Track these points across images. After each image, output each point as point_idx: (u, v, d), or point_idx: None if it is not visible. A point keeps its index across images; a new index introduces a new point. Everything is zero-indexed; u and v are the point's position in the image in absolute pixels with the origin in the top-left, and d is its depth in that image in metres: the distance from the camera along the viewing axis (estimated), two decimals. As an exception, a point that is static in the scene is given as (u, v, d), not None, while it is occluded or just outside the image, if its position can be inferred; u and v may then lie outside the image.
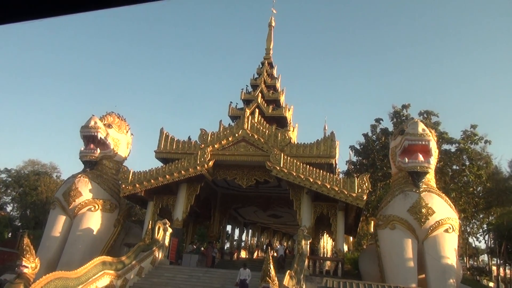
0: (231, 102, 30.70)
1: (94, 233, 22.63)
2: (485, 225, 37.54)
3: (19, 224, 49.15)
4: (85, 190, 23.15)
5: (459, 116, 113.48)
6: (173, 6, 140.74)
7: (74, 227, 22.65)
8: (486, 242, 40.69)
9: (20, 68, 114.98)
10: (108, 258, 16.86)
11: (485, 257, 52.19)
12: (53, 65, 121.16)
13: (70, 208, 22.94)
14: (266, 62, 33.57)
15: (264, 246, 28.39)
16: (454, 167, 33.50)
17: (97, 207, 23.08)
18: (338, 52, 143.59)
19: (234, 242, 39.99)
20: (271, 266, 11.59)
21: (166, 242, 21.72)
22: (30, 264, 11.83)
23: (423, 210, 19.56)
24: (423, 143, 20.41)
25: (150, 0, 1.91)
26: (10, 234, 42.97)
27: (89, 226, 22.61)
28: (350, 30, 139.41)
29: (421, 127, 20.85)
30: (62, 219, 23.03)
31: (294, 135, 29.18)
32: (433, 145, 20.91)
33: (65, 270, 14.24)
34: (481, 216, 35.66)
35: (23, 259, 11.78)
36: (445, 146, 33.31)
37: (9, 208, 52.90)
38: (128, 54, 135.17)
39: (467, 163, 32.63)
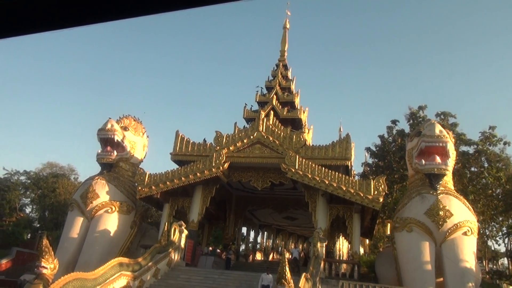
0: (246, 104, 30.74)
1: (111, 234, 22.88)
2: (504, 228, 36.81)
3: (38, 225, 49.87)
4: (102, 192, 23.43)
5: (478, 117, 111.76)
6: (188, 10, 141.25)
7: (92, 229, 22.94)
8: (506, 245, 39.91)
9: (39, 74, 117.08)
10: (125, 260, 17.04)
11: (505, 261, 51.19)
12: (71, 70, 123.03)
13: (87, 209, 23.23)
14: (281, 64, 33.54)
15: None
16: (473, 169, 32.90)
17: (114, 209, 23.34)
18: (353, 53, 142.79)
19: (250, 244, 39.97)
20: (287, 269, 11.56)
21: (182, 243, 21.85)
22: (49, 265, 12.01)
23: (440, 213, 19.30)
24: (440, 144, 20.15)
25: (160, 12, 1.93)
26: (29, 235, 43.63)
27: (106, 227, 22.87)
28: (365, 30, 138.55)
29: (438, 128, 20.59)
30: (79, 221, 23.34)
31: (309, 137, 29.05)
32: (451, 147, 20.62)
33: (83, 271, 14.44)
34: (500, 218, 34.91)
35: (42, 260, 11.97)
36: (463, 148, 32.73)
37: (28, 210, 53.81)
38: (143, 56, 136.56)
39: (486, 165, 32.02)
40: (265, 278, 16.38)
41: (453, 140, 22.40)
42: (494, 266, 52.77)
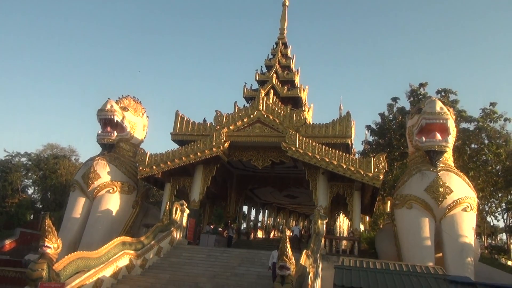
0: (245, 83, 30.58)
1: (113, 214, 23.04)
2: (504, 204, 37.05)
3: (41, 206, 50.21)
4: (104, 172, 23.50)
5: (478, 94, 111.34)
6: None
7: (94, 209, 23.09)
8: (505, 221, 40.28)
9: (39, 54, 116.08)
10: (128, 239, 17.18)
11: (503, 236, 51.76)
12: (70, 50, 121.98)
13: (89, 190, 23.34)
14: (281, 42, 33.23)
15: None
16: (473, 145, 32.85)
17: (115, 189, 23.45)
18: (353, 30, 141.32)
19: (251, 223, 40.33)
20: (288, 246, 11.65)
21: (184, 222, 22.05)
22: (52, 245, 12.06)
23: (440, 189, 19.39)
24: (441, 121, 20.09)
25: None
26: (32, 216, 43.97)
27: (108, 207, 23.01)
28: (365, 7, 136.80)
29: (438, 105, 20.50)
30: (82, 201, 23.48)
31: (309, 116, 29.01)
32: (451, 124, 20.57)
33: (86, 251, 14.57)
34: (500, 194, 35.07)
35: (46, 239, 12.01)
36: (464, 125, 32.63)
37: (30, 191, 54.08)
38: (142, 37, 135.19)
39: (486, 141, 31.96)
40: (275, 256, 16.36)
41: (454, 117, 22.30)
42: (493, 242, 53.40)
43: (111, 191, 23.37)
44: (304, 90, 31.05)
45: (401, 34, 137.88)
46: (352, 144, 25.27)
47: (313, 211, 21.30)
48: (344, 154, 21.03)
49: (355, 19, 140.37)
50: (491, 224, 46.47)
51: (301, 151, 21.36)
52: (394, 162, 33.83)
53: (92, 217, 22.88)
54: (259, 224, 41.53)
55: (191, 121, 25.10)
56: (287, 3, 34.69)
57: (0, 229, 36.37)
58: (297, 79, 31.75)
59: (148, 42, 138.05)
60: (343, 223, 40.53)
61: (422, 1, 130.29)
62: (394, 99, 36.43)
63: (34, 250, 23.07)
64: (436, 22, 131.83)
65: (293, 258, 11.70)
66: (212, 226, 28.04)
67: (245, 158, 24.54)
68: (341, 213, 35.03)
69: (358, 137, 46.59)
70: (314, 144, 21.42)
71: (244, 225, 41.20)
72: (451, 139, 20.68)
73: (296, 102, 29.73)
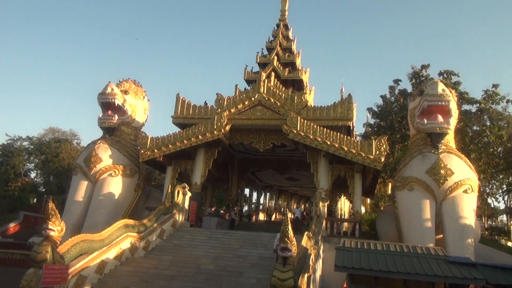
0: (246, 65, 30.37)
1: (116, 197, 23.17)
2: (504, 186, 37.15)
3: (43, 190, 50.44)
4: (105, 156, 23.55)
5: (481, 76, 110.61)
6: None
7: (96, 192, 23.20)
8: (505, 202, 40.44)
9: (40, 37, 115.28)
10: (131, 221, 17.34)
11: (504, 217, 52.00)
12: (72, 33, 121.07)
13: (91, 173, 23.43)
14: (282, 24, 32.87)
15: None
16: (474, 127, 32.80)
17: (117, 172, 23.52)
18: (355, 12, 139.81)
19: (252, 205, 40.55)
20: (289, 228, 11.71)
21: (186, 205, 22.19)
22: (56, 227, 12.18)
23: (441, 171, 19.40)
24: (443, 103, 19.99)
25: None
26: (35, 199, 44.23)
27: (111, 191, 23.13)
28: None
29: (440, 87, 20.37)
30: (84, 185, 23.59)
31: (310, 98, 28.86)
32: (453, 106, 20.47)
33: (89, 233, 14.71)
34: (501, 176, 35.14)
35: (49, 222, 12.12)
36: (466, 107, 32.50)
37: (33, 175, 54.29)
38: (143, 19, 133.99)
39: (488, 123, 31.91)
40: None
41: (456, 98, 22.19)
42: (493, 223, 53.65)
43: (113, 174, 23.45)
44: (305, 73, 30.86)
45: (403, 15, 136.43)
46: (353, 126, 25.24)
47: (314, 193, 21.38)
48: (345, 136, 21.01)
49: (356, 1, 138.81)
50: (492, 205, 46.67)
51: (302, 134, 21.33)
52: (395, 144, 33.84)
53: (94, 200, 23.00)
54: (261, 207, 41.75)
55: (192, 104, 25.05)
56: (288, -16, 34.16)
57: (4, 212, 36.67)
58: (298, 61, 31.52)
59: (148, 24, 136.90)
60: (344, 205, 40.78)
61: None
62: (396, 81, 36.26)
63: (38, 233, 23.27)
64: (438, 2, 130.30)
65: (294, 239, 11.78)
66: (213, 209, 28.21)
67: (246, 141, 24.55)
68: (342, 195, 35.19)
69: (360, 120, 46.50)
70: (315, 126, 21.39)
71: (246, 208, 41.43)
72: (453, 121, 20.60)
73: (297, 85, 29.58)
